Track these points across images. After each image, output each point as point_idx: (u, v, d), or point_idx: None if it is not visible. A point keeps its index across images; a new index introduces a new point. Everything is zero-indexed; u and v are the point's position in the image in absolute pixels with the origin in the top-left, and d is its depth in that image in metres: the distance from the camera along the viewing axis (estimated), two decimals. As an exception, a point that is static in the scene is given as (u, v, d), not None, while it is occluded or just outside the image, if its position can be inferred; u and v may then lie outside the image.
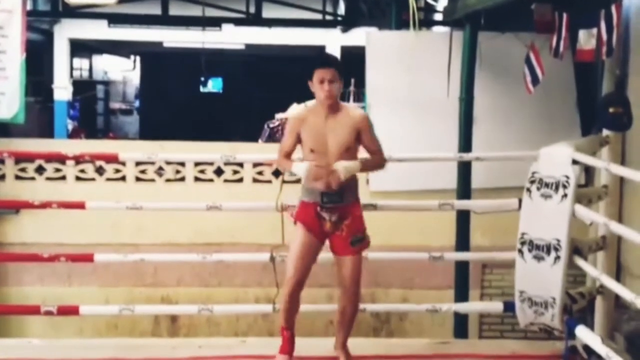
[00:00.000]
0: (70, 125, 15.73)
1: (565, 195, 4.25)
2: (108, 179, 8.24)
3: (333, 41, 14.80)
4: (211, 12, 11.96)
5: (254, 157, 7.84)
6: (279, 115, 12.92)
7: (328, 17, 13.94)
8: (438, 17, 11.06)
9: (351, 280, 4.13)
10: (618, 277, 5.22)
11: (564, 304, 4.29)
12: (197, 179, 8.25)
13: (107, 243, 7.66)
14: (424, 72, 7.75)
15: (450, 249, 6.58)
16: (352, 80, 12.27)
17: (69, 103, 15.74)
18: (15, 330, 7.82)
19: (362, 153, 4.22)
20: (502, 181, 6.86)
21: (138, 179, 8.24)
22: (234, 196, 7.91)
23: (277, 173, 7.92)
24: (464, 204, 6.12)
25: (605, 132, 4.90)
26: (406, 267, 7.65)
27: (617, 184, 4.89)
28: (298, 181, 4.29)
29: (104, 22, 13.49)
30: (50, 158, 7.96)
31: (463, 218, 6.62)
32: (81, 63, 19.17)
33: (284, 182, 4.63)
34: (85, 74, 19.65)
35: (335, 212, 4.10)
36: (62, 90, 15.29)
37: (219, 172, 8.25)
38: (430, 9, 11.97)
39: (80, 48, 17.38)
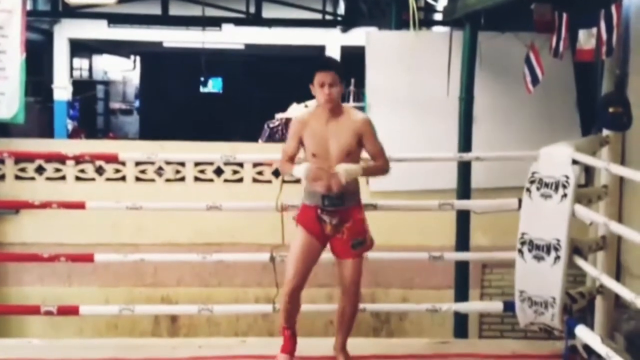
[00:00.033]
0: (70, 125, 15.74)
1: (565, 195, 4.25)
2: (108, 179, 8.24)
3: (333, 41, 14.81)
4: (211, 12, 11.97)
5: (254, 157, 7.84)
6: (279, 115, 12.93)
7: (328, 17, 13.95)
8: (438, 17, 11.06)
9: (351, 283, 4.14)
10: (618, 277, 5.22)
11: (564, 303, 4.29)
12: (197, 179, 8.25)
13: (107, 243, 7.66)
14: (424, 72, 7.75)
15: (450, 248, 6.58)
16: (352, 80, 12.27)
17: (69, 103, 15.75)
18: (15, 330, 7.82)
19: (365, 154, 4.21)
20: (502, 181, 6.87)
21: (138, 179, 8.25)
22: (234, 196, 7.91)
23: (277, 173, 7.92)
24: (463, 204, 6.12)
25: (605, 132, 4.90)
26: (406, 267, 7.65)
27: (617, 183, 4.89)
28: (298, 181, 4.29)
29: (103, 22, 13.49)
30: (50, 158, 7.96)
31: (463, 218, 6.62)
32: (81, 63, 19.17)
33: (284, 182, 4.63)
34: (85, 74, 19.65)
35: (336, 215, 4.10)
36: (62, 90, 15.30)
37: (218, 172, 8.25)
38: (430, 9, 11.97)
39: (80, 48, 17.38)
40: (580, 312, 4.55)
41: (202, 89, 21.82)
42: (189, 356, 4.44)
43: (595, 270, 4.36)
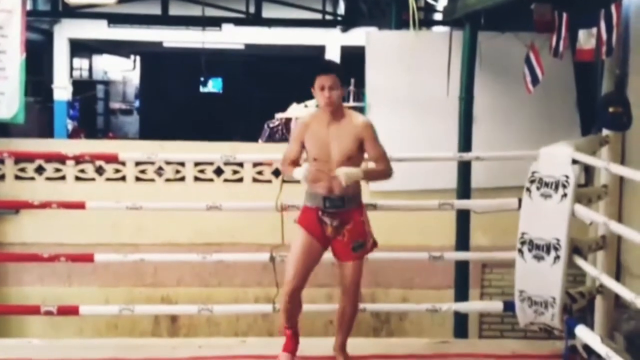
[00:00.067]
0: (70, 125, 15.73)
1: (565, 195, 4.25)
2: (108, 179, 8.24)
3: (333, 41, 14.81)
4: (211, 12, 11.97)
5: (254, 157, 7.84)
6: (279, 115, 12.93)
7: (328, 17, 13.94)
8: (438, 16, 11.06)
9: (351, 285, 4.14)
10: (618, 277, 5.22)
11: (563, 303, 4.29)
12: (197, 178, 8.25)
13: (107, 243, 7.66)
14: (424, 71, 7.75)
15: (450, 248, 6.57)
16: (352, 80, 12.27)
17: (69, 103, 15.74)
18: (15, 330, 7.82)
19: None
20: (502, 181, 6.87)
21: (138, 179, 8.25)
22: (234, 196, 7.91)
23: (277, 173, 7.92)
24: (463, 203, 6.12)
25: (605, 131, 4.90)
26: (406, 267, 7.65)
27: (617, 183, 4.89)
28: (298, 181, 4.28)
29: (103, 22, 13.49)
30: (50, 158, 7.96)
31: (463, 218, 6.62)
32: (81, 63, 19.17)
33: (284, 182, 4.63)
34: (85, 74, 19.65)
35: (336, 217, 4.10)
36: (62, 90, 15.29)
37: (218, 172, 8.26)
38: (430, 9, 11.97)
39: (80, 48, 17.38)
40: (580, 312, 4.55)
41: (202, 89, 21.82)
42: (189, 356, 4.45)
43: (595, 270, 4.37)
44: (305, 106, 12.27)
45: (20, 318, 7.83)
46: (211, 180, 8.27)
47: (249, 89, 19.74)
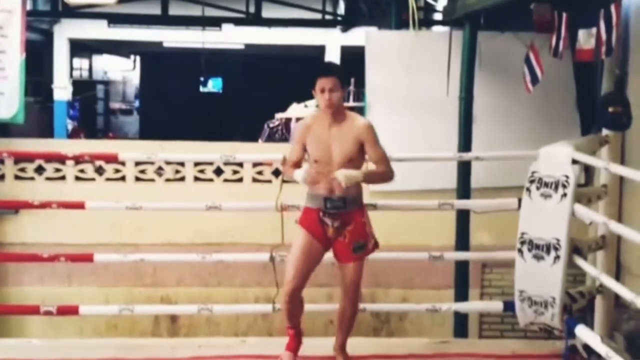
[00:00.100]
0: (70, 125, 15.74)
1: (564, 195, 4.25)
2: (108, 179, 8.24)
3: (333, 41, 14.81)
4: (211, 12, 11.97)
5: (254, 157, 7.84)
6: (278, 115, 12.95)
7: (328, 17, 13.95)
8: (438, 16, 11.07)
9: (352, 285, 4.14)
10: (618, 277, 5.22)
11: (563, 303, 4.29)
12: (196, 178, 8.26)
13: (107, 243, 7.66)
14: (424, 71, 7.75)
15: (450, 248, 6.58)
16: (352, 80, 12.28)
17: (69, 103, 15.75)
18: (15, 330, 7.82)
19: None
20: (501, 181, 6.87)
21: (138, 179, 8.25)
22: (234, 196, 7.91)
23: (277, 173, 7.92)
24: (463, 203, 6.12)
25: (605, 131, 4.89)
26: (406, 267, 7.65)
27: (617, 183, 4.89)
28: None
29: (103, 22, 13.50)
30: (50, 158, 7.96)
31: (463, 218, 6.62)
32: (81, 63, 19.18)
33: (284, 182, 4.62)
34: (85, 74, 19.66)
35: (337, 218, 4.10)
36: (62, 90, 15.30)
37: (218, 171, 8.26)
38: (430, 9, 11.98)
39: (80, 48, 17.38)
40: (580, 311, 4.55)
41: (202, 89, 21.83)
42: (188, 356, 4.44)
43: (595, 270, 4.36)
44: (305, 106, 12.29)
45: (20, 318, 7.84)
46: (211, 180, 8.27)
47: (249, 89, 19.74)
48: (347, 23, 13.77)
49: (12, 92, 6.20)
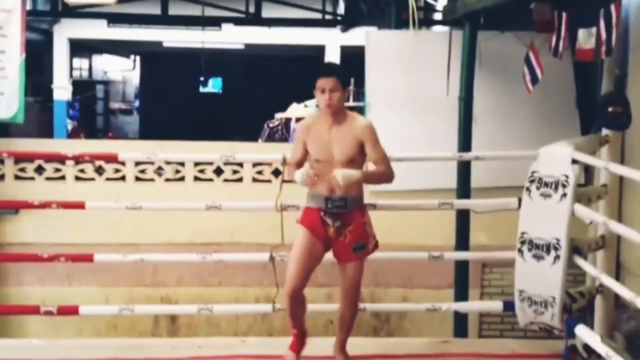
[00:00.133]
0: (70, 125, 15.74)
1: (564, 195, 4.25)
2: (107, 179, 8.24)
3: (332, 41, 14.82)
4: (211, 12, 11.97)
5: (254, 157, 7.85)
6: (278, 115, 12.95)
7: (328, 17, 13.95)
8: (438, 16, 11.07)
9: (352, 285, 4.14)
10: (617, 276, 5.22)
11: (563, 303, 4.29)
12: (196, 178, 8.26)
13: (107, 243, 7.66)
14: (424, 71, 7.75)
15: (450, 248, 6.57)
16: (352, 80, 12.29)
17: (69, 103, 15.75)
18: (15, 330, 7.82)
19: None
20: (501, 180, 6.87)
21: (137, 179, 8.25)
22: (234, 196, 7.91)
23: (276, 172, 7.92)
24: (463, 203, 6.12)
25: (605, 131, 4.89)
26: (406, 267, 7.65)
27: (617, 183, 4.89)
28: (297, 180, 4.27)
29: (103, 22, 13.49)
30: (50, 158, 7.96)
31: (463, 217, 6.62)
32: (81, 63, 19.18)
33: (283, 181, 4.63)
34: (85, 73, 19.66)
35: (338, 218, 4.09)
36: (62, 90, 15.30)
37: (218, 171, 8.26)
38: (429, 9, 11.98)
39: (80, 48, 17.38)
40: (580, 311, 4.55)
41: (202, 89, 21.84)
42: (188, 356, 4.44)
43: (594, 270, 4.37)
44: (305, 106, 12.30)
45: (20, 318, 7.83)
46: (211, 180, 8.27)
47: (249, 88, 19.75)
48: (347, 23, 13.77)
49: (12, 92, 6.22)
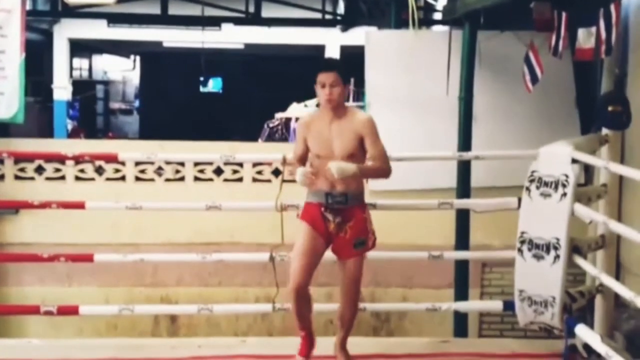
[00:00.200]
0: (70, 125, 15.74)
1: (564, 194, 4.25)
2: (107, 179, 8.24)
3: (332, 41, 14.81)
4: (211, 12, 11.97)
5: (254, 157, 7.84)
6: (278, 115, 12.95)
7: (327, 17, 13.95)
8: (437, 16, 11.07)
9: (352, 282, 4.13)
10: (617, 276, 5.22)
11: (563, 302, 4.29)
12: (196, 178, 8.26)
13: (107, 243, 7.66)
14: (424, 71, 7.75)
15: (449, 247, 6.57)
16: (352, 80, 12.29)
17: (69, 103, 15.75)
18: (15, 330, 7.82)
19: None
20: (501, 180, 6.86)
21: (137, 179, 8.25)
22: (234, 196, 7.91)
23: (276, 172, 7.92)
24: (463, 203, 6.11)
25: (605, 130, 4.90)
26: (406, 266, 7.65)
27: (617, 182, 4.89)
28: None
29: (103, 22, 13.49)
30: (50, 158, 7.96)
31: (462, 217, 6.62)
32: (81, 63, 19.19)
33: (283, 181, 4.63)
34: (85, 73, 19.66)
35: (339, 214, 4.09)
36: (62, 90, 15.30)
37: (218, 171, 8.26)
38: (429, 8, 11.98)
39: (80, 48, 17.39)
40: (580, 311, 4.55)
41: (202, 89, 21.85)
42: (188, 356, 4.44)
43: (594, 269, 4.36)
44: (305, 106, 12.29)
45: (20, 318, 7.83)
46: (211, 180, 8.27)
47: (249, 88, 19.75)
48: (347, 23, 13.77)
49: (12, 92, 6.22)
